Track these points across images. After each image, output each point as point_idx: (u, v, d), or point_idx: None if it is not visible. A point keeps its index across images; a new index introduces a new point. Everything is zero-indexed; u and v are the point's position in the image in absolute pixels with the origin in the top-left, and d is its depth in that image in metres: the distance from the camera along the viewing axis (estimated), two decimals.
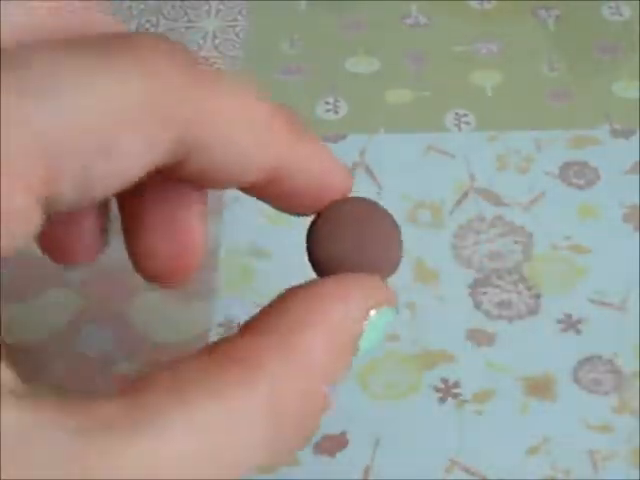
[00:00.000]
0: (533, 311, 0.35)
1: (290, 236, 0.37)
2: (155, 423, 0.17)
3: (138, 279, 0.36)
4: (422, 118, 0.41)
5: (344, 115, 0.41)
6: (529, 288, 0.35)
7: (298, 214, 0.24)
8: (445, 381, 0.33)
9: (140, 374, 0.18)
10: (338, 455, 0.32)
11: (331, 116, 0.41)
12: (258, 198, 0.23)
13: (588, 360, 0.33)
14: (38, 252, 0.38)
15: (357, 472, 0.31)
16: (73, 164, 0.17)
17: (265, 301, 0.35)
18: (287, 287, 0.22)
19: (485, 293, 0.35)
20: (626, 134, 0.40)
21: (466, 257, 0.36)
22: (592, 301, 0.35)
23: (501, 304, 0.35)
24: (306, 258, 0.24)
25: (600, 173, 0.39)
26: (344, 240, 0.25)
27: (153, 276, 0.24)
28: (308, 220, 0.23)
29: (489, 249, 0.37)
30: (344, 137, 0.40)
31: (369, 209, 0.25)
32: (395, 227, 0.25)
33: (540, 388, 0.33)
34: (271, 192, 0.23)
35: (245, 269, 0.37)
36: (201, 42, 0.45)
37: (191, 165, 0.19)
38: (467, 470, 0.31)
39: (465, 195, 0.38)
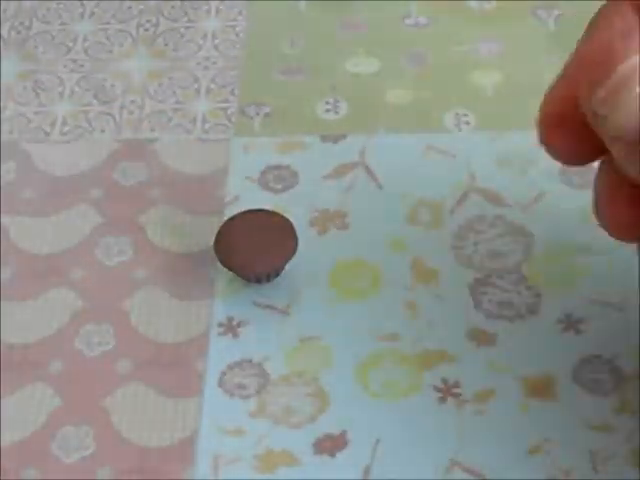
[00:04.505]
0: (533, 311, 0.35)
1: None
2: None
3: (138, 279, 0.36)
4: (422, 118, 0.41)
5: (344, 115, 0.41)
6: (529, 288, 0.35)
7: None
8: (445, 381, 0.33)
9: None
10: (338, 455, 0.32)
11: (331, 116, 0.41)
12: None
13: (588, 360, 0.33)
14: (38, 251, 0.38)
15: (357, 472, 0.31)
16: None
17: (265, 301, 0.36)
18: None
19: (485, 293, 0.35)
20: None
21: (466, 257, 0.36)
22: (592, 301, 0.35)
23: (501, 304, 0.35)
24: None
25: None
26: (240, 241, 0.35)
27: None
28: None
29: (489, 249, 0.37)
30: (344, 137, 0.40)
31: (262, 215, 0.35)
32: (287, 223, 0.35)
33: (540, 388, 0.33)
34: None
35: None
36: (201, 42, 0.45)
37: None
38: (467, 470, 0.31)
39: (465, 195, 0.38)
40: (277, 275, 0.35)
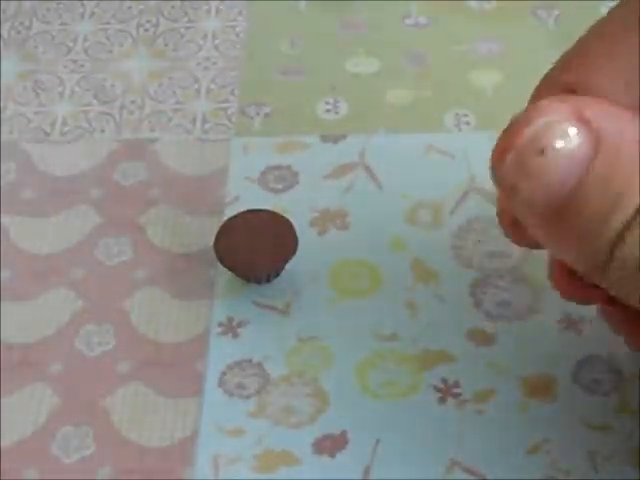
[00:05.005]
0: (533, 311, 0.35)
1: None
2: None
3: (138, 279, 0.36)
4: (422, 118, 0.41)
5: (344, 115, 0.41)
6: (529, 288, 0.35)
7: None
8: (445, 381, 0.33)
9: None
10: (338, 455, 0.32)
11: (331, 116, 0.41)
12: None
13: (588, 360, 0.33)
14: (38, 251, 0.38)
15: (357, 472, 0.31)
16: None
17: (265, 301, 0.36)
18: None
19: (485, 293, 0.35)
20: None
21: (466, 257, 0.36)
22: None
23: (501, 304, 0.35)
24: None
25: None
26: (240, 241, 0.35)
27: None
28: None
29: (489, 249, 0.37)
30: (344, 137, 0.40)
31: (262, 215, 0.35)
32: (287, 223, 0.35)
33: (540, 388, 0.33)
34: None
35: None
36: (201, 42, 0.45)
37: None
38: (467, 470, 0.31)
39: (465, 195, 0.38)
40: (277, 275, 0.35)
